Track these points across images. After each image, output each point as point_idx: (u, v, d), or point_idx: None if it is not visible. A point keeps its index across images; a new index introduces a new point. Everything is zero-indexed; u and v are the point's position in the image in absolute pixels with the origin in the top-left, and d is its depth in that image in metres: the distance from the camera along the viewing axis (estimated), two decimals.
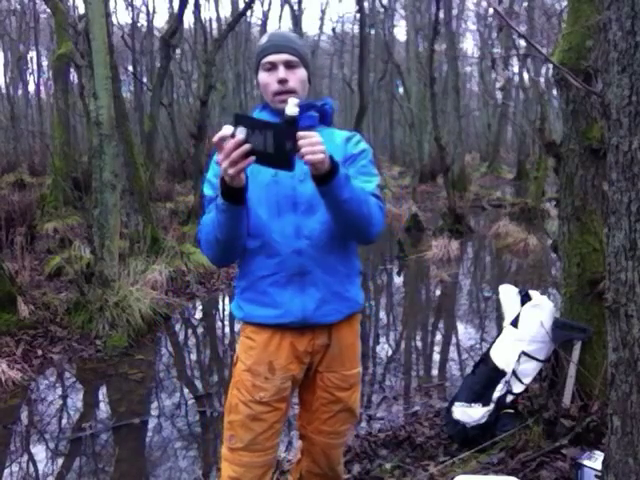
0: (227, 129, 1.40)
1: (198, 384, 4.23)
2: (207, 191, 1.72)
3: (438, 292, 6.96)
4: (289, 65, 1.68)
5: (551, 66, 3.20)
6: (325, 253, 1.67)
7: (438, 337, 5.39)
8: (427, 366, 4.55)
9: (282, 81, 1.67)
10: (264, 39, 1.74)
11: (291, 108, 1.45)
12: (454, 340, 5.20)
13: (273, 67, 1.69)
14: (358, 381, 1.83)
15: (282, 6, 28.32)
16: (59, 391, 4.09)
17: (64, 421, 3.63)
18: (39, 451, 3.24)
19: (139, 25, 25.35)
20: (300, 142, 1.42)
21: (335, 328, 1.73)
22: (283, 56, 1.68)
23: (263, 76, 1.71)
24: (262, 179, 1.64)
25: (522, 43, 16.19)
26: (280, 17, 41.43)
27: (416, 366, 4.58)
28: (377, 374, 4.29)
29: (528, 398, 2.75)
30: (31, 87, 30.59)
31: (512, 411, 2.76)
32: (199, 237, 1.70)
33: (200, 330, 5.69)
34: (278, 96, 1.68)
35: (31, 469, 3.07)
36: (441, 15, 12.56)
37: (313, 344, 1.72)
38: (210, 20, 25.85)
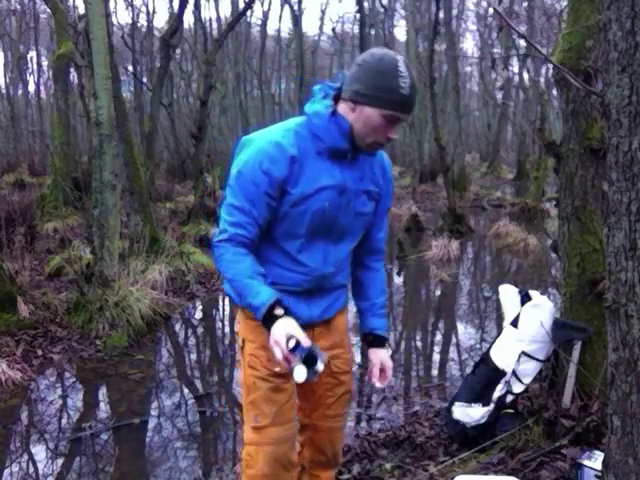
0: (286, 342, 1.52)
1: (198, 384, 4.23)
2: (240, 202, 1.63)
3: (438, 292, 6.96)
4: None
5: (551, 66, 3.20)
6: (339, 272, 1.81)
7: (438, 337, 5.39)
8: (427, 366, 4.55)
9: (390, 139, 1.63)
10: (404, 84, 1.55)
11: (300, 376, 1.51)
12: (454, 340, 5.20)
13: (394, 121, 1.60)
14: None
15: (282, 6, 28.33)
16: (59, 391, 4.09)
17: (64, 421, 3.63)
18: (39, 451, 3.24)
19: (139, 25, 25.33)
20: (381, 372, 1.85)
21: (332, 319, 1.88)
22: (407, 116, 1.62)
23: (377, 120, 1.58)
24: (313, 205, 1.64)
25: (522, 43, 16.21)
26: (280, 17, 41.49)
27: (416, 366, 4.58)
28: None
29: (528, 398, 2.75)
30: (31, 87, 30.59)
31: (512, 411, 2.76)
32: (221, 266, 1.66)
33: (200, 330, 5.69)
34: (375, 146, 1.65)
35: (31, 469, 3.07)
36: (441, 15, 12.57)
37: (312, 332, 1.78)
38: (210, 20, 25.82)
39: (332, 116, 1.62)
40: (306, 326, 1.74)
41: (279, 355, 1.52)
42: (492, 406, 2.75)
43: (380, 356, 1.87)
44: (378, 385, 1.87)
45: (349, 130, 1.61)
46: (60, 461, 3.13)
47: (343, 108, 1.62)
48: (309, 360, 1.50)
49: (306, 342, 1.52)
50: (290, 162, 1.60)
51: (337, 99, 1.65)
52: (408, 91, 1.55)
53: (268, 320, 1.56)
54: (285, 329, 1.53)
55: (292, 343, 1.51)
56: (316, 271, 1.72)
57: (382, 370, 1.87)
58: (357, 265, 1.92)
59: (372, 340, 1.89)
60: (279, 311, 1.57)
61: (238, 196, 1.62)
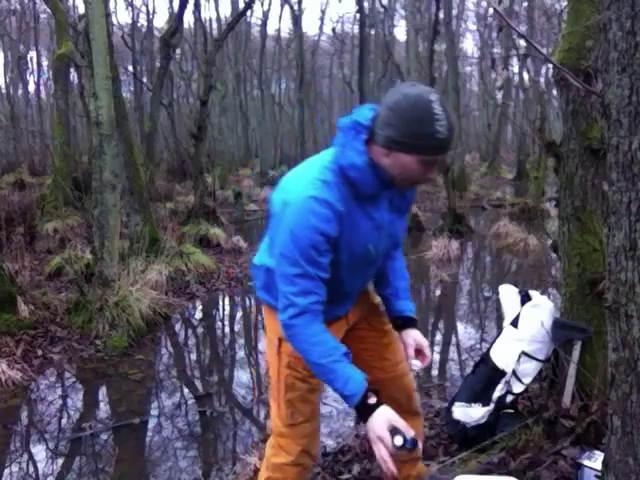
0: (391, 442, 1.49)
1: (198, 384, 4.23)
2: (302, 269, 1.55)
3: (438, 292, 6.96)
4: None
5: (551, 66, 3.20)
6: None
7: (438, 337, 5.39)
8: (427, 366, 4.52)
9: (429, 178, 1.63)
10: (441, 127, 1.47)
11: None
12: (454, 340, 5.20)
13: (433, 163, 1.56)
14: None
15: (282, 6, 28.32)
16: (59, 391, 4.09)
17: (64, 421, 3.63)
18: (39, 451, 3.24)
19: (139, 25, 25.38)
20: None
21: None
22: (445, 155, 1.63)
23: (415, 166, 1.53)
24: (357, 249, 1.65)
25: (522, 43, 16.21)
26: (280, 17, 41.55)
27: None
28: None
29: (528, 398, 2.75)
30: (31, 87, 30.62)
31: (512, 411, 2.76)
32: (298, 347, 1.60)
33: (200, 330, 5.69)
34: (412, 185, 1.67)
35: (31, 469, 3.07)
36: (441, 15, 12.57)
37: (347, 316, 1.89)
38: (210, 20, 25.83)
39: (368, 166, 1.55)
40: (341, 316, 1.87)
41: (384, 452, 1.48)
42: (492, 406, 2.75)
43: (413, 335, 1.86)
44: (418, 366, 1.83)
45: (386, 177, 1.58)
46: (60, 461, 3.14)
47: (376, 152, 1.55)
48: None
49: (409, 432, 1.49)
50: (340, 218, 1.56)
51: (369, 138, 1.56)
52: (446, 134, 1.48)
53: (361, 409, 1.54)
54: (386, 422, 1.50)
55: (399, 441, 1.47)
56: (356, 290, 1.85)
57: (419, 350, 1.85)
58: None
59: (402, 324, 1.89)
60: (372, 400, 1.53)
61: (298, 263, 1.54)
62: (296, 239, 1.52)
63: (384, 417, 1.51)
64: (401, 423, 1.51)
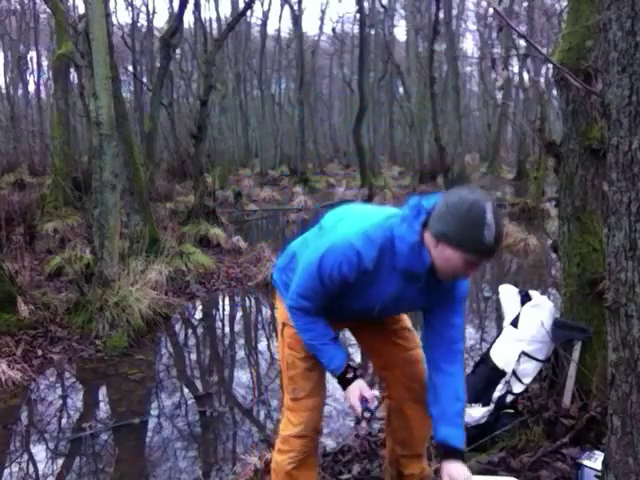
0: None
1: (198, 384, 4.23)
2: (314, 284, 1.81)
3: None
4: None
5: (551, 66, 3.19)
6: None
7: None
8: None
9: (469, 275, 1.78)
10: (489, 235, 1.58)
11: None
12: None
13: (475, 263, 1.68)
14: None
15: (282, 6, 28.34)
16: (59, 391, 4.09)
17: (64, 421, 3.63)
18: (39, 451, 3.24)
19: (139, 25, 25.37)
20: None
21: None
22: (489, 260, 1.71)
23: (458, 262, 1.66)
24: (366, 302, 1.85)
25: (522, 43, 16.19)
26: (280, 17, 41.61)
27: None
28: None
29: (528, 398, 2.75)
30: (31, 87, 30.63)
31: (512, 411, 2.75)
32: (296, 327, 1.91)
33: (200, 330, 5.69)
34: (453, 279, 1.79)
35: (31, 469, 3.07)
36: (441, 15, 12.57)
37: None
38: (210, 20, 25.81)
39: (417, 246, 1.70)
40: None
41: (357, 413, 1.87)
42: (492, 406, 2.75)
43: (450, 471, 1.74)
44: None
45: (429, 264, 1.71)
46: (60, 461, 3.14)
47: (428, 239, 1.68)
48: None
49: (374, 403, 1.86)
50: (363, 272, 1.75)
51: (425, 223, 1.70)
52: (492, 241, 1.59)
53: (341, 379, 1.89)
54: (358, 393, 1.85)
55: (366, 414, 1.85)
56: (359, 319, 2.03)
57: None
58: (431, 366, 1.92)
59: (444, 452, 1.80)
60: (350, 374, 1.88)
61: (314, 280, 1.80)
62: (321, 263, 1.76)
63: (357, 388, 1.86)
64: (369, 394, 1.85)
